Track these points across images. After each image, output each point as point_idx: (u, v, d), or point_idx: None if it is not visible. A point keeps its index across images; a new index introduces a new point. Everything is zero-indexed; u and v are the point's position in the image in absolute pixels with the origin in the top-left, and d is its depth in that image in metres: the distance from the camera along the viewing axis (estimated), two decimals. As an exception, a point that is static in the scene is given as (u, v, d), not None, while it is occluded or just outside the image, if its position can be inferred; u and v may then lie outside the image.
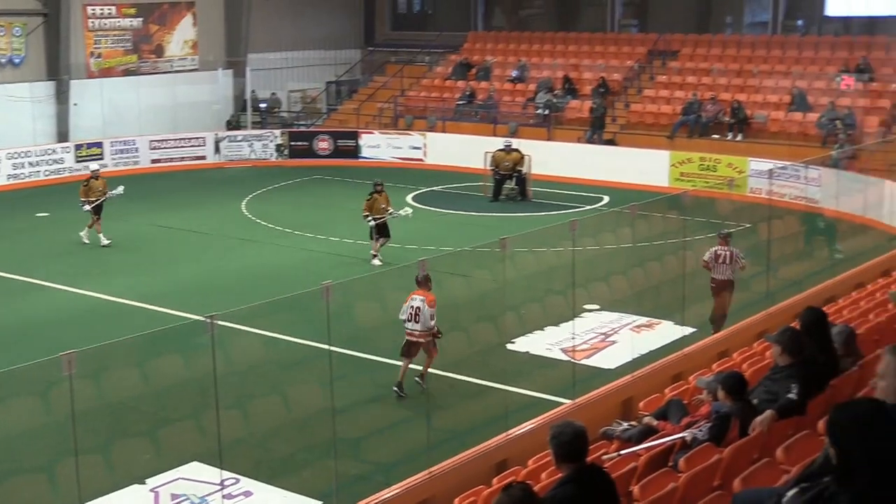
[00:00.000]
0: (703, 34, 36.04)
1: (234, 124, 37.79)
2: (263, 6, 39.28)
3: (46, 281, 21.10)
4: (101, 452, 12.20)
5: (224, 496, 11.05)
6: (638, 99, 33.87)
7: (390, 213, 21.59)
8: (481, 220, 26.67)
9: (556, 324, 16.69)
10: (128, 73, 36.08)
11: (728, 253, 16.01)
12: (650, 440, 8.69)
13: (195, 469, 11.95)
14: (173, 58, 37.41)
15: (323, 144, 35.57)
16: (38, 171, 32.02)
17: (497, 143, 30.36)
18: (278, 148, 35.70)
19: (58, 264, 22.47)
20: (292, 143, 35.81)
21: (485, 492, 8.95)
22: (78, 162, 32.71)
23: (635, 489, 7.41)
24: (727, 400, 8.15)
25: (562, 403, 12.39)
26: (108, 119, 34.87)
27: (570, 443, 6.11)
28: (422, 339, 14.19)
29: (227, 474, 10.91)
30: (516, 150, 29.28)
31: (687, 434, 8.16)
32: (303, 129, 37.85)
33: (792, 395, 7.94)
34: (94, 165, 25.97)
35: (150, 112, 36.09)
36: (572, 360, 14.39)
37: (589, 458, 6.40)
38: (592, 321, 17.19)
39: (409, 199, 27.91)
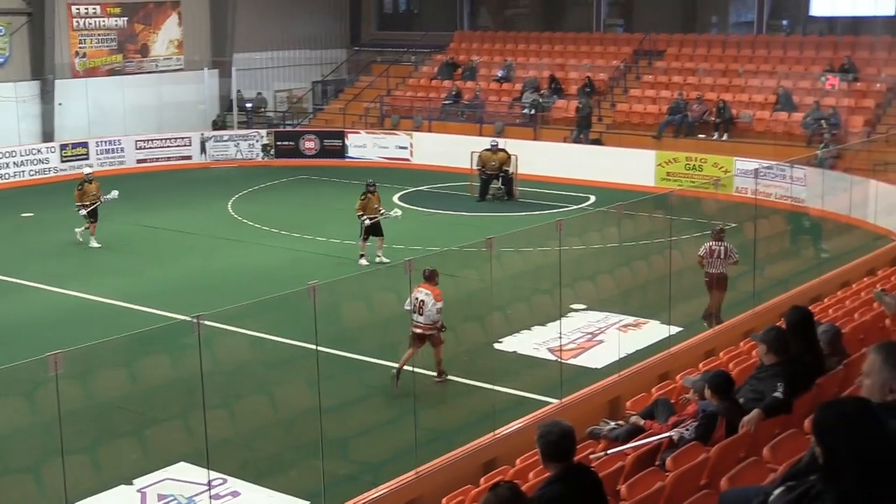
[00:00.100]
0: (688, 34, 36.13)
1: (219, 124, 37.69)
2: (249, 6, 39.21)
3: (31, 281, 21.02)
4: (88, 453, 12.17)
5: (211, 496, 11.02)
6: (624, 99, 33.93)
7: (382, 214, 21.63)
8: (468, 219, 26.68)
9: (543, 323, 16.71)
10: (113, 72, 35.96)
11: (722, 248, 16.15)
12: (637, 439, 8.71)
13: (182, 469, 11.94)
14: (158, 57, 37.30)
15: (309, 144, 35.53)
16: (23, 171, 31.90)
17: (483, 142, 30.36)
18: (264, 148, 35.64)
19: (43, 264, 22.39)
20: (278, 143, 35.76)
21: (472, 491, 8.96)
22: (63, 162, 32.63)
23: (622, 488, 7.42)
24: (714, 399, 8.18)
25: (549, 403, 12.41)
26: (94, 119, 34.75)
27: (557, 442, 6.12)
28: (426, 332, 14.38)
29: (214, 474, 10.88)
30: (503, 150, 29.29)
31: (674, 433, 8.18)
32: (289, 128, 37.78)
33: (778, 394, 7.97)
34: (87, 169, 25.89)
35: (136, 112, 35.98)
36: (559, 360, 14.40)
37: (576, 458, 6.41)
38: (579, 321, 17.23)
39: (395, 198, 27.90)
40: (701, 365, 11.51)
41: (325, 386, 10.25)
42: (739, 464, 7.12)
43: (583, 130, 32.32)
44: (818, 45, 33.39)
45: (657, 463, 8.02)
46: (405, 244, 22.21)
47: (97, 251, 23.49)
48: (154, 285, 20.58)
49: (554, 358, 15.07)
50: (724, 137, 30.42)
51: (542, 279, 17.87)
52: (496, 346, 15.86)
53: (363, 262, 21.38)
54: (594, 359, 15.41)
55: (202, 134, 35.66)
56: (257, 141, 35.72)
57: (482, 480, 9.37)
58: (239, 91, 38.04)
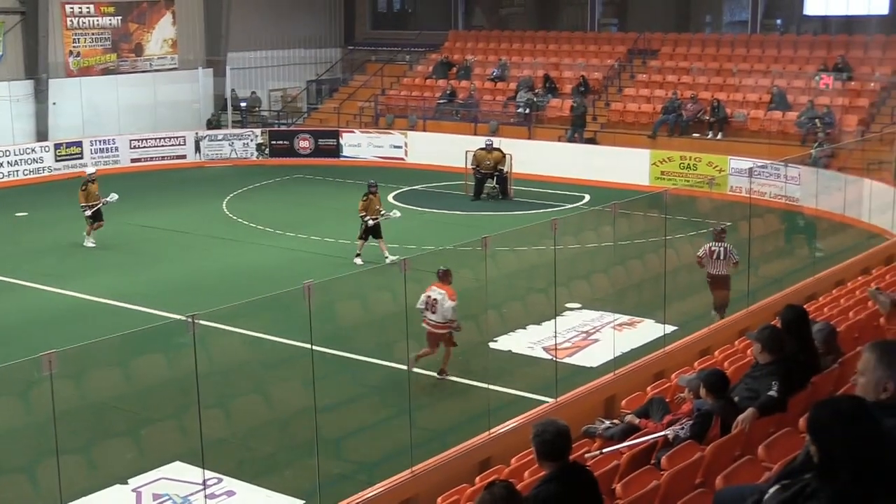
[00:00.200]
0: (682, 33, 36.15)
1: (214, 123, 37.64)
2: (243, 5, 39.17)
3: (25, 280, 20.99)
4: (83, 453, 12.14)
5: (207, 496, 11.02)
6: (618, 98, 33.94)
7: (382, 215, 21.67)
8: (462, 218, 26.69)
9: (538, 322, 16.73)
10: (107, 71, 35.89)
11: (722, 249, 16.15)
12: (632, 438, 8.72)
13: (177, 469, 11.92)
14: (153, 57, 37.24)
15: (304, 143, 35.50)
16: (17, 171, 31.84)
17: (478, 142, 30.38)
18: (259, 147, 35.61)
19: (37, 264, 22.35)
20: (273, 143, 35.74)
21: (468, 490, 8.96)
22: (57, 161, 32.58)
23: (618, 487, 7.43)
24: (709, 398, 8.19)
25: (544, 402, 12.41)
26: (88, 118, 34.71)
27: (552, 441, 6.13)
28: (440, 331, 14.53)
29: (209, 474, 10.88)
30: (497, 149, 29.30)
31: (669, 432, 8.19)
32: (283, 128, 37.78)
33: (773, 393, 7.98)
34: (90, 169, 25.87)
35: (130, 111, 35.92)
36: (554, 359, 14.41)
37: (571, 457, 6.42)
38: (574, 319, 17.25)
39: (390, 198, 27.88)
40: (696, 364, 11.52)
41: (320, 385, 10.24)
42: (734, 462, 7.13)
43: (577, 129, 32.33)
44: (812, 44, 33.43)
45: (652, 462, 8.03)
46: (400, 243, 22.19)
47: (91, 250, 23.46)
48: (148, 284, 20.55)
49: (549, 357, 15.08)
50: (719, 136, 30.45)
51: (536, 278, 17.87)
52: (491, 345, 15.84)
53: (358, 261, 21.37)
54: (589, 358, 15.43)
55: (196, 133, 35.62)
56: (252, 140, 35.69)
57: (477, 479, 9.37)
58: (233, 90, 38.00)
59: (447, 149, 31.83)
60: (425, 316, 14.59)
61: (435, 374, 14.85)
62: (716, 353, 11.90)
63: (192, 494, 11.31)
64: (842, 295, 13.90)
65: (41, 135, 33.60)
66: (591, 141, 32.30)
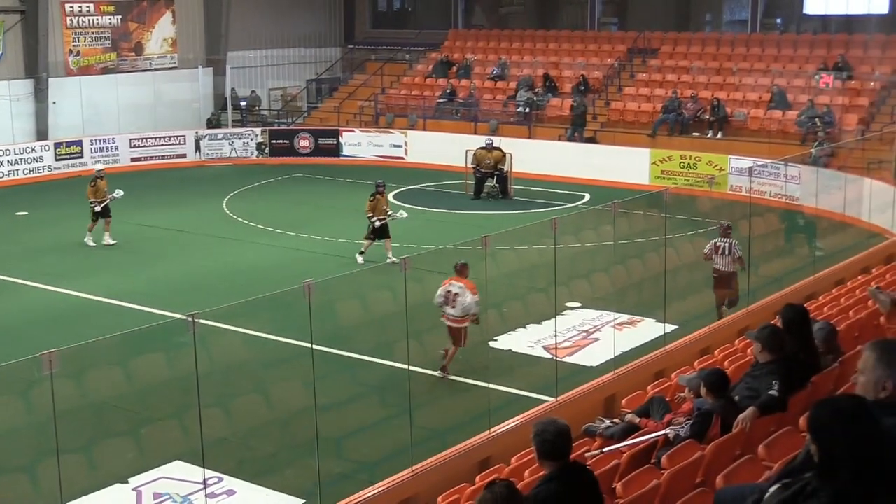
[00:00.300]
0: (682, 32, 36.15)
1: (214, 122, 37.64)
2: (243, 4, 39.16)
3: (25, 280, 20.99)
4: (83, 452, 12.13)
5: (207, 495, 11.03)
6: (618, 97, 33.93)
7: (389, 215, 21.67)
8: (463, 218, 26.69)
9: (539, 321, 16.73)
10: (107, 71, 35.87)
11: (727, 245, 16.17)
12: (632, 437, 8.72)
13: (178, 468, 11.92)
14: (152, 56, 37.23)
15: (304, 143, 35.50)
16: (17, 170, 31.83)
17: (478, 141, 30.37)
18: (259, 146, 35.61)
19: (37, 263, 22.35)
20: (273, 142, 35.74)
21: (468, 490, 8.96)
22: (57, 160, 32.58)
23: (618, 486, 7.43)
24: (709, 397, 8.19)
25: (544, 401, 12.41)
26: (88, 117, 34.70)
27: (552, 440, 6.13)
28: (460, 325, 14.60)
29: (209, 473, 10.89)
30: (497, 149, 29.29)
31: (669, 431, 8.19)
32: (283, 127, 37.77)
33: (773, 392, 7.98)
34: (99, 165, 25.88)
35: (130, 110, 35.93)
36: (554, 358, 14.41)
37: (572, 456, 6.42)
38: (574, 319, 17.24)
39: (391, 197, 27.83)
40: (696, 363, 11.53)
41: (320, 385, 10.25)
42: (735, 462, 7.13)
43: (577, 129, 32.32)
44: (812, 43, 33.43)
45: (652, 461, 8.03)
46: (400, 242, 22.18)
47: (92, 249, 23.45)
48: (148, 284, 20.55)
49: (549, 356, 15.08)
50: (719, 136, 30.45)
51: (537, 277, 17.88)
52: (491, 344, 15.85)
53: (360, 259, 21.37)
54: (589, 357, 15.43)
55: (196, 132, 35.61)
56: (252, 139, 35.69)
57: (478, 479, 9.38)
58: (233, 89, 37.99)
59: (447, 148, 31.83)
60: (444, 311, 14.63)
61: (435, 374, 14.84)
62: (716, 352, 11.90)
63: (192, 494, 11.31)
64: (842, 294, 13.91)
65: (41, 134, 33.60)
66: (591, 140, 32.29)
